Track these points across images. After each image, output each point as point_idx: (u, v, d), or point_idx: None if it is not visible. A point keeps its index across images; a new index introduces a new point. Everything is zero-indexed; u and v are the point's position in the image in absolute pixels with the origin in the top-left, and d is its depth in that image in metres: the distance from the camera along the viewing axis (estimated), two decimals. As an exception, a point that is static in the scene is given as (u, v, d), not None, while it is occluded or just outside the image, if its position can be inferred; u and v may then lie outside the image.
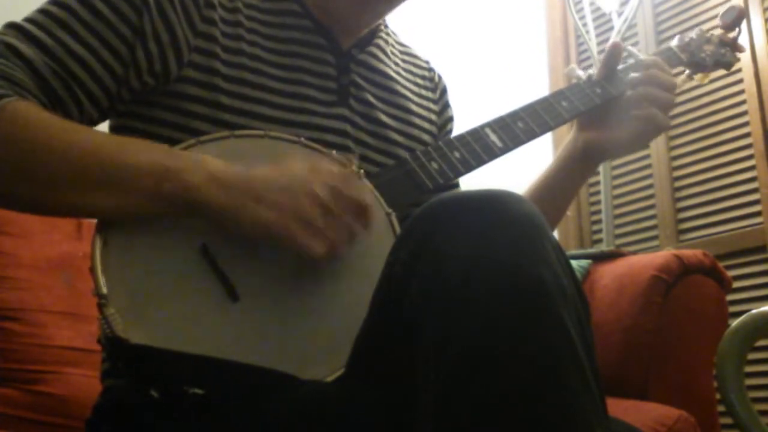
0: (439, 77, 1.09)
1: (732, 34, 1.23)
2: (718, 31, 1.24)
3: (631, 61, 1.11)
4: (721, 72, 2.37)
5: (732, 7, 1.23)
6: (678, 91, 2.60)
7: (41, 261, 1.28)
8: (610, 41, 1.10)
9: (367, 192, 0.75)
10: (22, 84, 0.72)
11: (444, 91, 1.09)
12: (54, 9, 0.77)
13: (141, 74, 0.79)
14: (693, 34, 1.21)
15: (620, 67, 1.08)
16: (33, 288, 1.25)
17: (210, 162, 0.71)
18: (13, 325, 1.20)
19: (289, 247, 0.69)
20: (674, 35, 1.26)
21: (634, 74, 1.05)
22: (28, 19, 0.77)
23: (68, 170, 0.69)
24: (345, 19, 0.93)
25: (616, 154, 1.08)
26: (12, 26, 0.77)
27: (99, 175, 0.69)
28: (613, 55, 1.06)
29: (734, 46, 1.24)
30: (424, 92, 1.05)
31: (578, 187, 1.09)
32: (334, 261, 0.72)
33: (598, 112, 1.04)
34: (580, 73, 1.08)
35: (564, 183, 1.06)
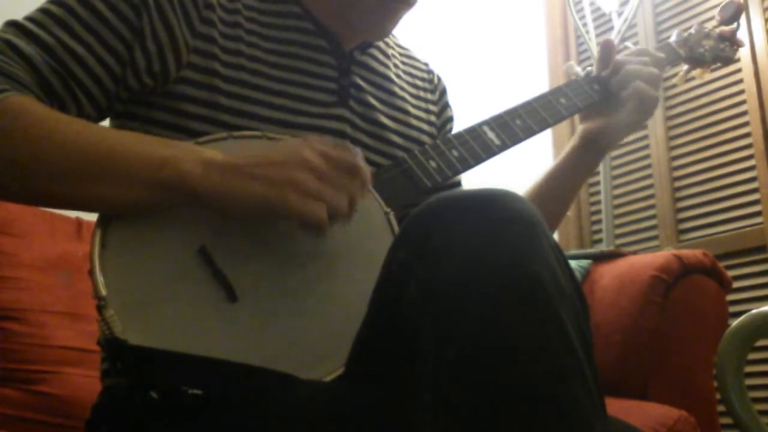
0: (439, 78, 1.09)
1: (731, 29, 1.23)
2: (718, 26, 1.24)
3: None
4: (721, 72, 2.36)
5: (731, 1, 1.22)
6: (678, 91, 2.58)
7: (41, 261, 1.28)
8: (602, 39, 1.11)
9: (359, 155, 0.74)
10: (21, 81, 0.72)
11: (443, 92, 1.09)
12: (54, 8, 0.78)
13: (139, 74, 0.79)
14: (692, 29, 1.21)
15: None
16: (33, 288, 1.25)
17: (205, 150, 0.72)
18: (13, 325, 1.20)
19: (290, 216, 0.69)
20: (674, 34, 1.26)
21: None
22: (28, 18, 0.78)
23: (67, 162, 0.69)
24: (370, 32, 0.93)
25: (617, 137, 1.08)
26: (12, 24, 0.77)
27: (97, 166, 0.69)
28: (606, 51, 1.08)
29: (733, 41, 1.23)
30: (422, 94, 1.05)
31: (581, 183, 1.10)
32: (338, 224, 0.71)
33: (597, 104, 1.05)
34: (578, 69, 1.09)
35: (567, 178, 1.06)
